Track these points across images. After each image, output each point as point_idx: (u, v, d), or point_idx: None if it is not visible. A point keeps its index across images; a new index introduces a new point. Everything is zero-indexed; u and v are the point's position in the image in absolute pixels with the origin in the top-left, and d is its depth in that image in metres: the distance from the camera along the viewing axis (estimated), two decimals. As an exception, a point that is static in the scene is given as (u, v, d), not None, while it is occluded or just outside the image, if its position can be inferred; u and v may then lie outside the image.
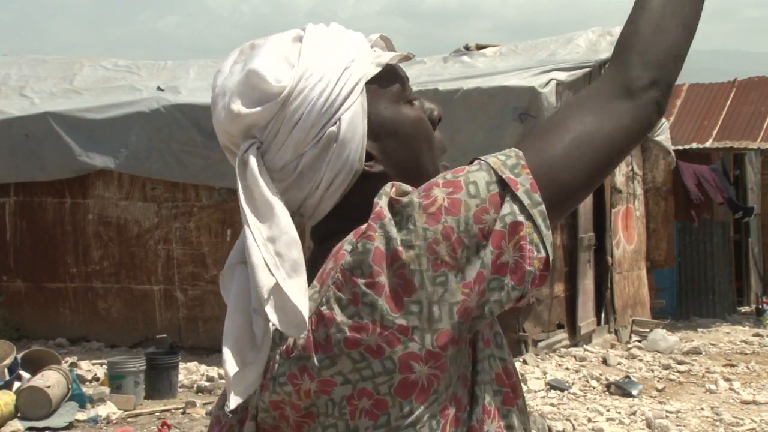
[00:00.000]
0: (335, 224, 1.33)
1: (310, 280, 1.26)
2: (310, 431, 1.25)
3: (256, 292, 1.23)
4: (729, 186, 14.74)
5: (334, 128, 1.30)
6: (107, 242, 11.03)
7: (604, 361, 9.70)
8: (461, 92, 9.57)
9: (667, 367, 9.71)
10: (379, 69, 1.34)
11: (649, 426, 7.37)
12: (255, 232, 1.26)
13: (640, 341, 11.17)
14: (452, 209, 1.21)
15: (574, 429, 7.24)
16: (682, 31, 1.35)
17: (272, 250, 1.25)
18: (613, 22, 13.03)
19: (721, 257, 14.56)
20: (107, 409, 7.85)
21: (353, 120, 1.31)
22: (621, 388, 8.53)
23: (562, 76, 9.74)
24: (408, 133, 1.35)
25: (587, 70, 10.39)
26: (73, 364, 9.42)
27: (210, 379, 8.96)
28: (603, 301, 11.15)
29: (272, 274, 1.23)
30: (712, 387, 8.83)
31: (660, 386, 8.85)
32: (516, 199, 1.23)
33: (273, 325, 1.22)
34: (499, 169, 1.24)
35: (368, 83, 1.33)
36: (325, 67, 1.31)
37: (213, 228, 10.69)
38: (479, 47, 12.31)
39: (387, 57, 1.36)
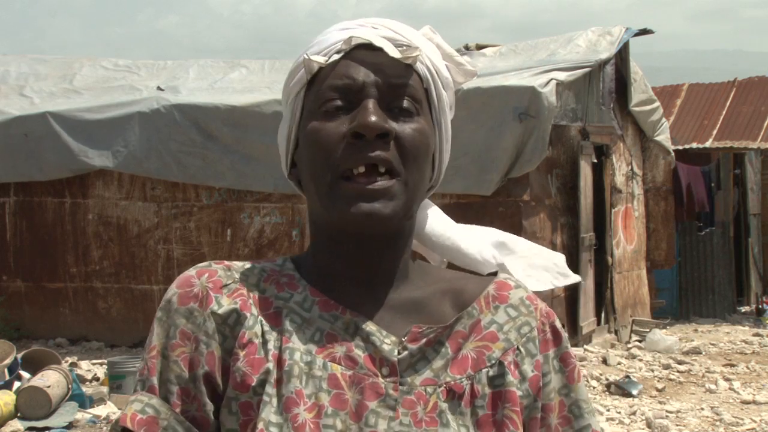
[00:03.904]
0: None
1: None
2: None
3: None
4: (713, 193, 14.65)
5: None
6: (107, 242, 11.03)
7: (604, 361, 9.69)
8: (461, 92, 9.55)
9: (667, 367, 9.70)
10: (309, 74, 1.30)
11: (649, 426, 7.37)
12: None
13: (640, 341, 11.17)
14: None
15: (574, 429, 7.23)
16: None
17: None
18: (613, 22, 13.05)
19: (721, 257, 14.53)
20: (107, 409, 7.84)
21: (281, 125, 1.35)
22: (621, 388, 8.52)
23: (562, 76, 9.74)
24: (305, 143, 1.30)
25: (587, 70, 10.39)
26: (73, 364, 9.41)
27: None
28: (603, 301, 11.14)
29: None
30: (712, 387, 8.82)
31: (660, 386, 8.85)
32: None
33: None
34: None
35: (308, 89, 1.31)
36: None
37: (213, 228, 10.69)
38: (479, 47, 12.30)
39: (313, 65, 1.29)
